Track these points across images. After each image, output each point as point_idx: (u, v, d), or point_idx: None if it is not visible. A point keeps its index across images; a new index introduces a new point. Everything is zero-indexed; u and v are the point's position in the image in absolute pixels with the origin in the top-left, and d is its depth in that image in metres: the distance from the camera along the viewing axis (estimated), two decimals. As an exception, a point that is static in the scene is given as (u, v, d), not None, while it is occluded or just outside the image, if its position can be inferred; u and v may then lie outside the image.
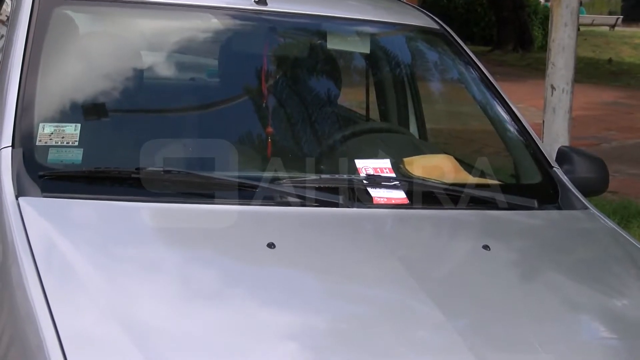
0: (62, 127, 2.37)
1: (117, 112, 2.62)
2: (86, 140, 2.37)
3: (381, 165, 2.48)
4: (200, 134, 2.66)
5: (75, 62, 2.65)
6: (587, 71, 16.11)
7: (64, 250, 1.94)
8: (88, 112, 2.53)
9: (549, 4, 5.06)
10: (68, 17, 2.75)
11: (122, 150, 2.50)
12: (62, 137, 2.34)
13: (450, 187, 2.46)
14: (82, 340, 1.69)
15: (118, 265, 1.95)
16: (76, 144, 2.34)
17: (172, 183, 2.25)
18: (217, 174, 2.33)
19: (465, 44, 3.24)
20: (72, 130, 2.37)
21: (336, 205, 2.30)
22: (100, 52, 2.73)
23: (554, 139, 5.29)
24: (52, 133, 2.34)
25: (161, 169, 2.27)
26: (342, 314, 1.90)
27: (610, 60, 18.98)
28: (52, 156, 2.30)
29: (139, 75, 2.75)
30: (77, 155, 2.32)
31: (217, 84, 3.06)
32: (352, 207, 2.32)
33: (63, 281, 1.85)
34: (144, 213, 2.17)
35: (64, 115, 2.43)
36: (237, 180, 2.30)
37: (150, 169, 2.26)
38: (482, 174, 2.66)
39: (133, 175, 2.24)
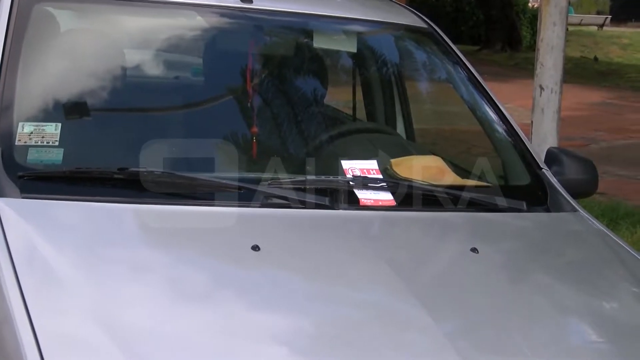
0: (42, 126, 2.35)
1: (99, 111, 2.60)
2: (67, 139, 2.35)
3: (368, 167, 2.48)
4: (184, 133, 2.65)
5: (56, 60, 2.62)
6: (576, 71, 16.20)
7: (43, 253, 1.93)
8: (69, 111, 2.51)
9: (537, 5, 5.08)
10: (49, 14, 2.72)
11: (104, 151, 2.48)
12: (42, 137, 2.32)
13: (438, 189, 2.46)
14: (61, 344, 1.67)
15: (100, 267, 1.93)
16: (57, 143, 2.32)
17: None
18: (201, 175, 2.32)
19: (454, 43, 3.23)
20: (53, 130, 2.35)
21: (322, 207, 2.30)
22: (82, 49, 2.71)
23: (542, 139, 5.30)
24: (31, 132, 2.32)
25: (144, 169, 2.25)
26: (328, 317, 1.89)
27: (595, 59, 19.08)
28: (32, 156, 2.28)
29: (122, 73, 2.73)
30: (57, 155, 2.30)
31: (201, 83, 3.04)
32: (339, 208, 2.31)
33: (42, 284, 1.83)
34: (126, 215, 2.16)
35: (44, 114, 2.41)
36: (221, 181, 2.29)
37: (132, 169, 2.24)
38: (471, 176, 2.66)
39: (115, 176, 2.23)
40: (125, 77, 2.75)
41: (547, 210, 2.61)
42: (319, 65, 3.18)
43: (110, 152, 2.46)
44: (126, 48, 2.83)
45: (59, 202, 2.14)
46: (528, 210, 2.56)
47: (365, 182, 2.40)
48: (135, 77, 2.83)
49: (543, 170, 2.76)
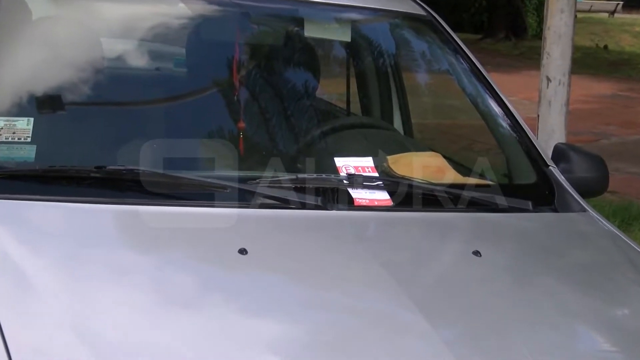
0: (13, 121, 2.35)
1: (75, 105, 2.60)
2: (40, 136, 2.35)
3: (363, 164, 2.48)
4: (166, 129, 2.65)
5: (28, 50, 2.62)
6: (585, 61, 16.25)
7: (14, 258, 1.93)
8: (42, 105, 2.51)
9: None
10: (19, 0, 2.72)
11: (80, 147, 2.48)
12: (13, 133, 2.32)
13: (438, 188, 2.47)
14: (34, 356, 1.67)
15: (76, 273, 1.93)
16: (29, 140, 2.33)
17: (135, 183, 2.24)
18: (184, 174, 2.32)
19: (454, 31, 3.25)
20: (25, 125, 2.35)
21: (314, 207, 2.30)
22: (56, 39, 2.71)
23: (549, 134, 5.32)
24: (1, 128, 2.32)
25: (123, 168, 2.25)
26: (320, 324, 1.90)
27: (605, 47, 19.14)
28: (2, 153, 2.28)
29: (99, 64, 2.73)
30: (29, 153, 2.30)
31: (184, 75, 3.04)
32: (332, 209, 2.32)
33: (13, 291, 1.83)
34: (104, 216, 2.16)
35: (15, 109, 2.41)
36: (206, 180, 2.30)
37: (111, 167, 2.25)
38: (473, 174, 2.67)
39: (93, 175, 2.23)
40: (102, 68, 2.75)
41: (555, 211, 2.62)
42: (310, 55, 3.18)
43: (87, 149, 2.46)
44: (104, 37, 2.83)
45: (32, 203, 2.14)
46: (534, 211, 2.57)
47: (360, 181, 2.40)
48: (113, 69, 2.83)
49: (550, 167, 2.77)
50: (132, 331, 1.77)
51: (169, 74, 3.08)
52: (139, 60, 2.90)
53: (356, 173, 2.44)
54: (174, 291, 1.93)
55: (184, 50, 3.02)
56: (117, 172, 2.25)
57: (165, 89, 2.94)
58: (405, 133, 3.56)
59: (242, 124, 2.68)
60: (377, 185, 2.42)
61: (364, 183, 2.40)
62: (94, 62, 2.70)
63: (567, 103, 5.45)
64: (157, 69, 3.06)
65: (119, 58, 2.86)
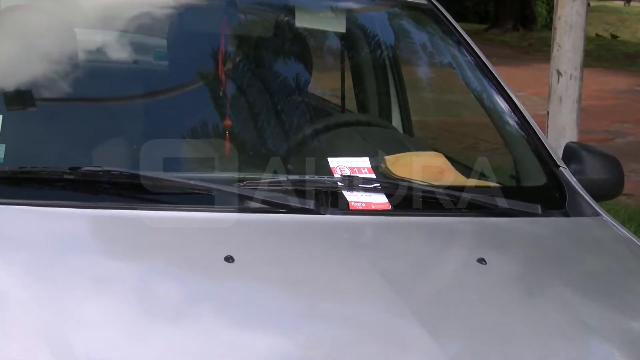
0: None
1: (47, 101, 2.61)
2: (8, 134, 2.35)
3: (359, 165, 2.49)
4: (146, 127, 2.66)
5: (-4, 42, 2.63)
6: (598, 54, 16.27)
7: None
8: (11, 101, 2.51)
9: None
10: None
11: (52, 147, 2.48)
12: (-20, 131, 2.33)
13: (440, 190, 2.47)
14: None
15: (48, 283, 1.93)
16: (-3, 139, 2.33)
17: (113, 185, 2.24)
18: (166, 175, 2.32)
19: (457, 21, 3.26)
20: None
21: (306, 211, 2.31)
22: (26, 29, 2.71)
23: (560, 133, 5.33)
24: (-33, 126, 2.33)
25: (100, 168, 2.26)
26: (314, 338, 1.90)
27: (615, 37, 19.15)
28: (-32, 154, 2.28)
29: (73, 57, 2.73)
30: (-2, 153, 2.31)
31: (165, 68, 3.05)
32: (325, 213, 2.32)
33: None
34: (79, 221, 2.16)
35: None
36: (189, 182, 2.30)
37: (86, 169, 2.25)
38: (477, 175, 2.68)
39: (66, 176, 2.23)
40: (76, 61, 2.75)
41: (566, 215, 2.63)
42: (302, 47, 3.19)
43: (60, 149, 2.46)
44: (77, 27, 2.83)
45: (0, 207, 2.14)
46: (543, 215, 2.58)
47: (355, 183, 2.41)
48: (88, 62, 2.83)
49: (560, 168, 2.78)
50: (109, 347, 1.77)
51: (148, 67, 3.08)
52: (116, 53, 2.90)
53: (352, 174, 2.44)
54: (155, 303, 1.93)
55: (165, 42, 3.02)
56: (93, 173, 2.25)
57: (144, 83, 2.94)
58: (404, 131, 3.57)
59: (228, 122, 2.69)
60: (375, 187, 2.42)
61: (360, 185, 2.41)
62: (67, 54, 2.70)
63: (579, 99, 5.46)
64: (136, 62, 3.05)
65: (95, 50, 2.86)
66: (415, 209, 2.43)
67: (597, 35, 18.76)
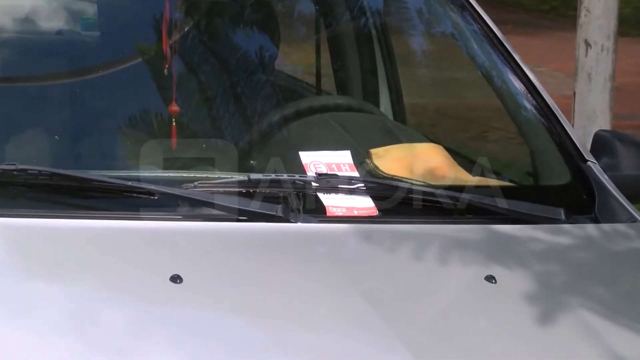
0: None
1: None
2: None
3: (338, 160, 2.50)
4: (72, 114, 2.65)
5: None
6: (637, 19, 16.36)
7: None
8: None
9: None
10: None
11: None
12: None
13: (439, 191, 2.49)
14: None
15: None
16: None
17: (31, 187, 2.24)
18: (97, 174, 2.32)
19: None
20: None
21: (272, 218, 2.31)
22: None
23: (589, 118, 5.36)
24: None
25: (14, 166, 2.25)
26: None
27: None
28: None
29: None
30: None
31: (96, 40, 3.04)
32: (296, 221, 2.33)
33: None
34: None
35: None
36: (127, 182, 2.30)
37: (-3, 166, 2.25)
38: (485, 172, 2.69)
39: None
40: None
41: (595, 221, 2.65)
42: (267, 13, 3.19)
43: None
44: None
45: None
46: (567, 221, 2.59)
47: (334, 183, 2.42)
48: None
49: (589, 163, 2.79)
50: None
51: (75, 38, 3.07)
52: (35, 22, 2.89)
53: (329, 172, 2.45)
54: (84, 336, 1.92)
55: (95, 7, 3.01)
56: (5, 173, 2.25)
57: (70, 59, 2.93)
58: (394, 117, 3.58)
59: (174, 107, 2.68)
60: (357, 188, 2.43)
61: (340, 186, 2.42)
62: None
63: (613, 76, 5.48)
64: (60, 32, 3.05)
65: (8, 18, 2.85)
66: (408, 215, 2.44)
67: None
